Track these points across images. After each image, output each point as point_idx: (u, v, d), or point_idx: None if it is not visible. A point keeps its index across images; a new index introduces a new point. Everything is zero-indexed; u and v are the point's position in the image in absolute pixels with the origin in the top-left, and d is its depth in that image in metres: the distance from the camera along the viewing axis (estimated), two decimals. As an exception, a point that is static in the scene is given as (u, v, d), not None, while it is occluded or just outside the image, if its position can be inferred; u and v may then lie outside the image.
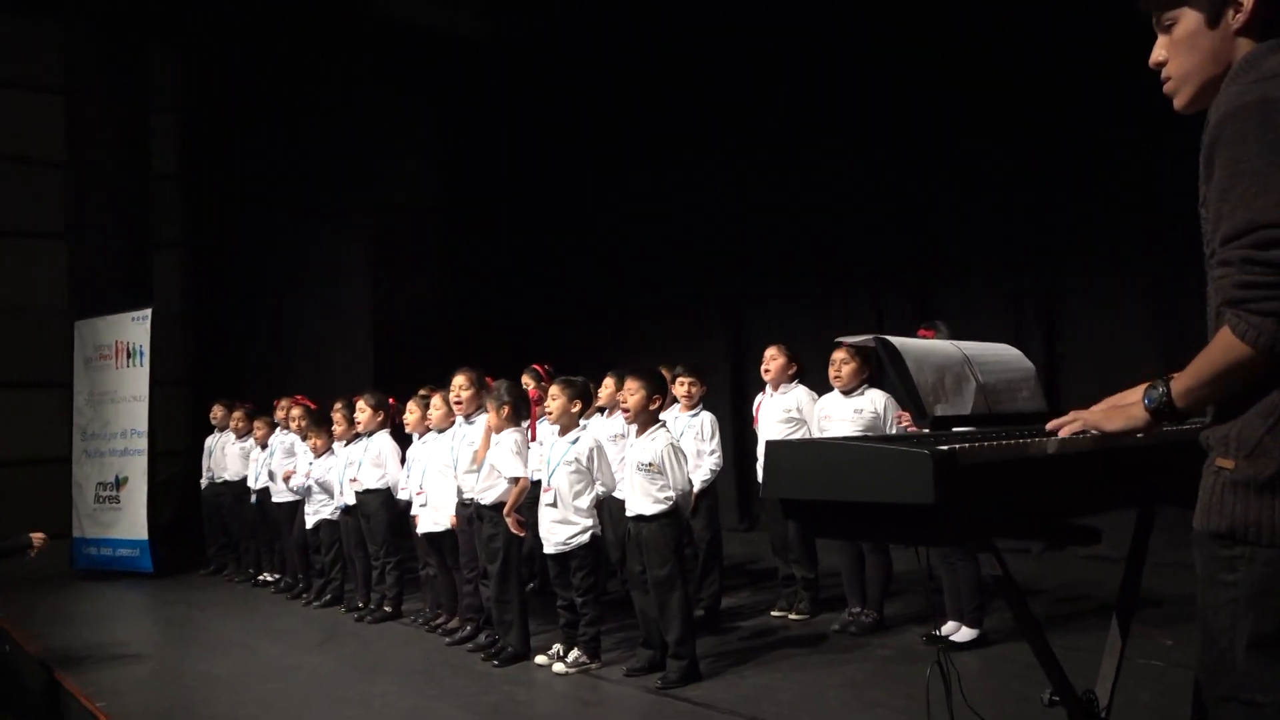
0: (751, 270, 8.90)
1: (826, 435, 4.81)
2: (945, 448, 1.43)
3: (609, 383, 5.78)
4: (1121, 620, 2.08)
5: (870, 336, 2.04)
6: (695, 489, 5.03)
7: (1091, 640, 3.75)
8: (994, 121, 7.05)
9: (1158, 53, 1.69)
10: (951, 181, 7.40)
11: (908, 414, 4.63)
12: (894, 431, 4.65)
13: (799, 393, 5.22)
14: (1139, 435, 1.67)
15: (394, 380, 7.77)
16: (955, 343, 2.25)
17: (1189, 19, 1.63)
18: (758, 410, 5.45)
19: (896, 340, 2.07)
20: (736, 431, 7.77)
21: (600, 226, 10.01)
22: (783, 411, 5.19)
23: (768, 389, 5.34)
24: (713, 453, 5.27)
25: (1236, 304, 1.41)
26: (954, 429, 1.97)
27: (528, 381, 6.40)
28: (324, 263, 9.59)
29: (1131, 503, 2.08)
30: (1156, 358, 6.22)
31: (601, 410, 5.83)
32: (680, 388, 5.37)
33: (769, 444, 1.61)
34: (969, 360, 2.20)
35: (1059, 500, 1.68)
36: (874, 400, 4.71)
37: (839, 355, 4.80)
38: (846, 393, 4.78)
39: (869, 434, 4.56)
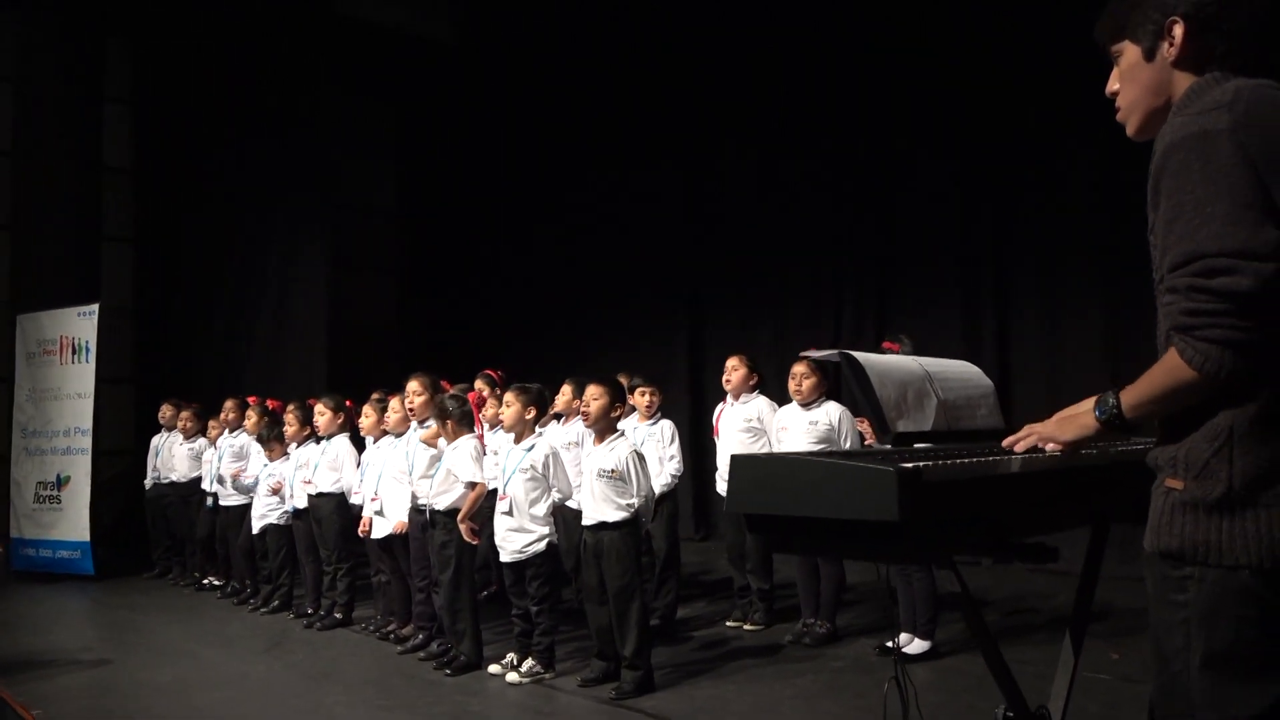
0: (710, 280, 8.95)
1: (783, 446, 4.86)
2: (910, 465, 1.44)
3: (566, 390, 5.76)
4: (1075, 635, 2.11)
5: (835, 351, 2.06)
6: (657, 493, 5.05)
7: (1042, 653, 3.81)
8: (952, 137, 7.19)
9: (1111, 83, 1.75)
10: (910, 194, 7.53)
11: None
12: (849, 443, 4.69)
13: (759, 403, 5.25)
14: (1092, 446, 1.70)
15: (347, 383, 7.66)
16: (918, 359, 2.27)
17: (1130, 52, 1.69)
18: (718, 420, 5.46)
19: (861, 356, 2.08)
20: (694, 441, 7.80)
21: (559, 232, 10.00)
22: (743, 421, 5.22)
23: (728, 399, 5.36)
24: (673, 458, 5.28)
25: (1184, 330, 1.44)
26: (915, 445, 1.98)
27: (481, 387, 6.35)
28: (279, 263, 9.47)
29: (1086, 520, 2.11)
30: (1104, 366, 6.40)
31: (558, 417, 5.80)
32: (641, 398, 5.38)
33: (734, 458, 1.61)
34: (930, 377, 2.22)
35: (1019, 517, 1.70)
36: (829, 413, 4.75)
37: (799, 369, 4.84)
38: (805, 405, 4.81)
39: (825, 446, 4.60)
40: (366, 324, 10.58)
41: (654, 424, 5.36)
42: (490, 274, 10.62)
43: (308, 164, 9.29)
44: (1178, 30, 1.61)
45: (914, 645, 4.40)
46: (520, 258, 10.36)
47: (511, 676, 4.28)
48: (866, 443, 4.54)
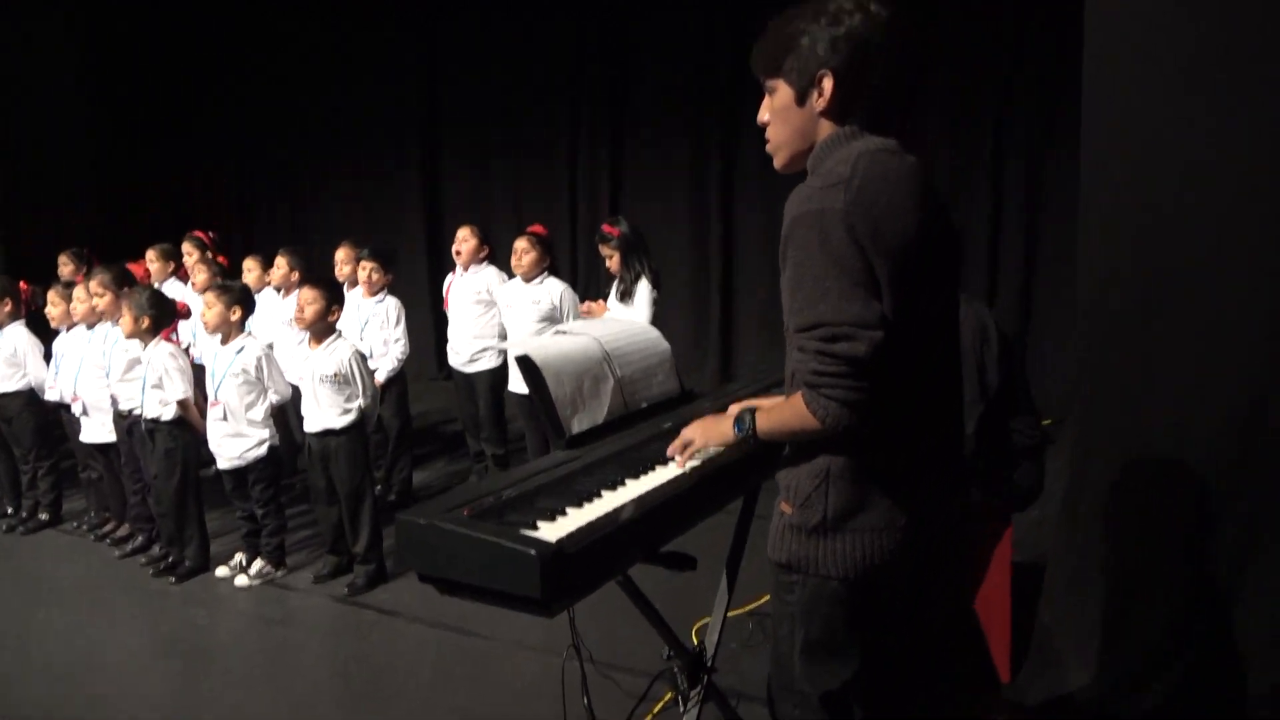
0: (449, 148, 8.62)
1: (509, 322, 4.96)
2: (553, 541, 1.56)
3: (282, 262, 5.49)
4: (730, 577, 2.43)
5: (516, 355, 2.11)
6: (382, 379, 5.03)
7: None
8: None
9: (762, 113, 1.82)
10: (644, 70, 7.58)
11: (598, 304, 4.84)
12: (571, 320, 4.84)
13: (489, 274, 5.24)
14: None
15: (24, 240, 6.78)
16: (597, 337, 2.36)
17: (784, 92, 1.76)
18: (448, 291, 5.43)
19: (539, 354, 2.14)
20: (435, 298, 7.75)
21: (290, 83, 9.00)
22: (474, 293, 5.22)
23: (458, 269, 5.32)
24: (398, 340, 5.21)
25: (811, 386, 1.63)
26: (589, 446, 2.11)
27: (189, 250, 5.89)
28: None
29: (736, 496, 2.37)
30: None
31: (277, 290, 5.53)
32: (363, 272, 5.20)
33: (400, 521, 1.68)
34: (609, 356, 2.34)
35: (663, 531, 1.89)
36: (551, 291, 4.84)
37: (520, 244, 4.86)
38: (527, 281, 4.88)
39: (547, 325, 4.71)
40: (50, 159, 8.63)
41: (379, 302, 5.23)
42: (211, 115, 9.35)
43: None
44: (827, 84, 1.70)
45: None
46: (243, 101, 9.21)
47: (240, 580, 4.28)
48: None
